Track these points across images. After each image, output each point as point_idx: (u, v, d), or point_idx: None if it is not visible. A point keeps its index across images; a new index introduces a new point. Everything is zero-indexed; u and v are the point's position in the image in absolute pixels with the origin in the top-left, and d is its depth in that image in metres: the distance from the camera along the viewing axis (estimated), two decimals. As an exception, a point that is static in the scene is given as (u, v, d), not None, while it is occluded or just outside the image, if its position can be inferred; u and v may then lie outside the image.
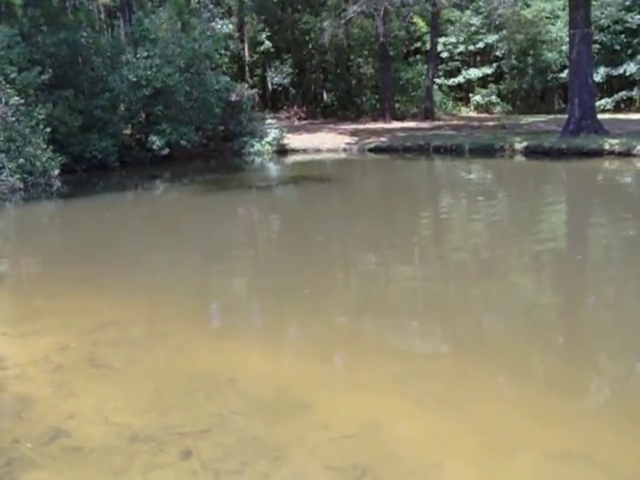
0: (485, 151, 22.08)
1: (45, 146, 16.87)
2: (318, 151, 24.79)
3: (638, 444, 4.17)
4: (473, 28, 38.58)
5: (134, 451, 4.18)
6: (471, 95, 39.67)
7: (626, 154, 19.36)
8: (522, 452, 4.11)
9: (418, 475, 3.85)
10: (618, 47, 36.05)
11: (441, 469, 3.92)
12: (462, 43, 38.84)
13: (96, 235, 11.71)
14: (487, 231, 11.49)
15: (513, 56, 38.16)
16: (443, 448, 4.18)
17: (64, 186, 17.04)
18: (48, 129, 17.21)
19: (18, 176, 16.12)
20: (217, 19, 28.99)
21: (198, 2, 29.70)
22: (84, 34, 21.14)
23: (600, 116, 24.64)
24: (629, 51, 35.81)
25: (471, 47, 38.94)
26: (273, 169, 23.02)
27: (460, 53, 39.44)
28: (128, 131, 22.59)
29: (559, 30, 36.10)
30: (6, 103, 16.60)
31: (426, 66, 35.88)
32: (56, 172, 17.15)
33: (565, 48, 30.81)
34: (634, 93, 36.09)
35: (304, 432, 4.35)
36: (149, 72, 21.16)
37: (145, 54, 21.76)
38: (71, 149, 18.98)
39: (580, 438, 4.28)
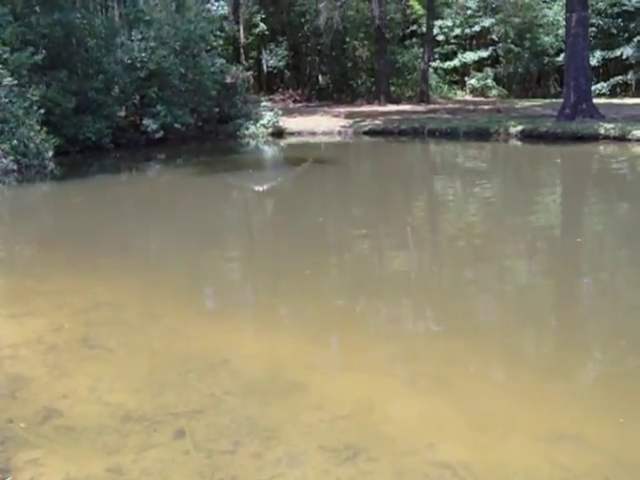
0: (480, 135, 22.04)
1: (39, 128, 16.73)
2: (313, 134, 24.72)
3: (628, 425, 4.19)
4: (469, 11, 38.39)
5: (127, 431, 4.19)
6: (467, 79, 39.53)
7: (621, 139, 19.36)
8: (514, 433, 4.14)
9: (411, 456, 3.87)
10: (615, 31, 35.93)
11: (433, 449, 3.94)
12: (458, 26, 38.65)
13: (90, 217, 11.68)
14: (482, 214, 11.50)
15: (509, 40, 38.01)
16: (436, 429, 4.21)
17: (58, 168, 16.94)
18: (42, 110, 17.07)
19: (12, 158, 16.00)
20: (212, 1, 28.79)
21: (193, -17, 29.42)
22: (78, 15, 20.89)
23: (596, 100, 24.61)
24: (625, 35, 35.70)
25: (467, 30, 38.76)
26: (268, 151, 22.97)
27: (456, 36, 39.26)
28: (122, 113, 22.45)
29: (556, 13, 35.97)
30: (-1, 84, 16.49)
31: (422, 49, 35.70)
32: (50, 154, 17.03)
33: (561, 32, 30.67)
34: (630, 77, 36.02)
35: (297, 413, 4.37)
36: (144, 54, 21.03)
37: (140, 36, 21.59)
38: (65, 131, 18.85)
39: (571, 419, 4.31)
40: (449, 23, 38.64)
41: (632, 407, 4.43)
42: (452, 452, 3.90)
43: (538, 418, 4.31)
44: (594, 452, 3.89)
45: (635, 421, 4.24)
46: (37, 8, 20.27)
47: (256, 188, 14.95)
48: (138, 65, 21.03)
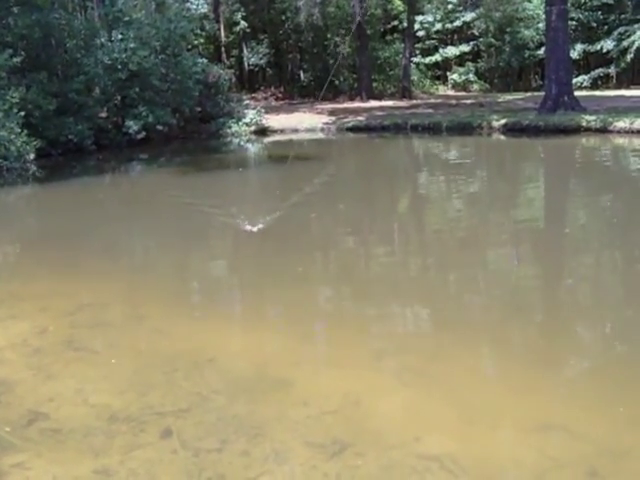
0: (463, 129, 22.12)
1: (19, 130, 16.61)
2: (296, 131, 24.70)
3: (616, 415, 4.22)
4: (450, 6, 38.54)
5: (114, 431, 4.17)
6: (448, 73, 39.70)
7: (603, 130, 19.49)
8: (501, 425, 4.15)
9: (398, 449, 3.87)
10: (594, 24, 36.18)
11: (420, 443, 3.95)
12: (439, 21, 38.80)
13: (73, 219, 11.60)
14: (467, 207, 11.53)
15: (490, 34, 38.20)
16: (422, 422, 4.21)
17: (40, 170, 16.83)
18: (22, 113, 16.95)
19: (-7, 161, 15.90)
20: (192, -1, 28.69)
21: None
22: (56, 16, 20.75)
23: (577, 93, 24.76)
24: (605, 27, 35.95)
25: (448, 25, 38.91)
26: (251, 150, 22.92)
27: (437, 31, 39.41)
28: (104, 114, 22.33)
29: (536, 7, 36.18)
30: (-22, 86, 16.35)
31: (403, 45, 35.78)
32: (31, 156, 16.94)
33: (542, 25, 30.86)
34: (611, 70, 36.26)
35: (284, 409, 4.36)
36: (124, 55, 20.91)
37: (120, 36, 21.49)
38: (46, 133, 18.71)
39: (558, 410, 4.33)
40: (430, 18, 38.76)
41: (618, 397, 4.46)
42: (439, 445, 3.91)
43: (525, 409, 4.33)
44: (581, 442, 3.92)
45: (622, 410, 4.26)
46: (15, 9, 20.11)
47: (240, 186, 14.90)
48: (119, 66, 20.92)
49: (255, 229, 9.24)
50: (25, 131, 16.83)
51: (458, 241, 9.18)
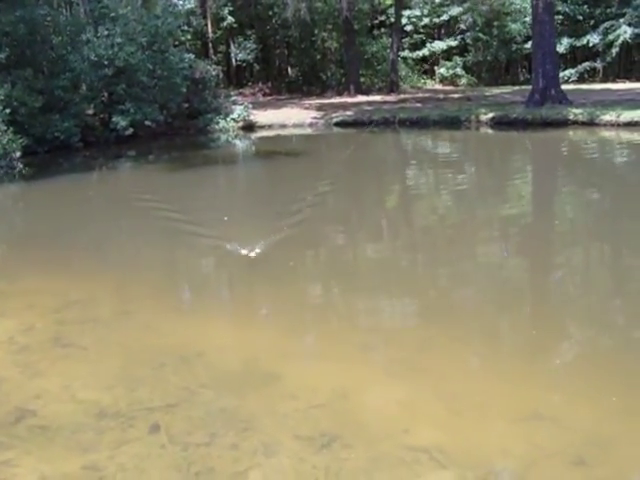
0: (451, 123, 22.14)
1: (5, 128, 16.50)
2: (284, 126, 24.66)
3: (603, 404, 4.25)
4: (437, 0, 38.50)
5: (102, 427, 4.16)
6: (436, 68, 39.70)
7: (590, 123, 19.59)
8: (489, 415, 4.17)
9: (386, 441, 3.88)
10: (581, 17, 36.26)
11: (409, 435, 3.96)
12: (426, 16, 38.78)
13: (61, 217, 11.54)
14: (455, 201, 11.55)
15: (477, 28, 38.21)
16: (411, 414, 4.22)
17: (27, 168, 16.72)
18: (7, 110, 16.84)
19: (-22, 159, 15.80)
20: (178, -5, 28.54)
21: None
22: (41, 12, 20.58)
23: (564, 87, 24.84)
24: (592, 21, 36.04)
25: (435, 19, 38.91)
26: (239, 145, 22.87)
27: (424, 26, 39.39)
28: (91, 111, 22.18)
29: (523, 1, 36.20)
30: (-38, 84, 16.23)
31: (390, 39, 35.76)
32: (18, 154, 16.82)
33: (529, 19, 30.89)
34: (597, 64, 36.38)
35: (272, 403, 4.36)
36: (110, 51, 20.77)
37: (106, 32, 21.32)
38: (32, 130, 18.57)
39: (546, 400, 4.35)
40: (417, 13, 38.74)
41: (606, 386, 4.49)
42: (428, 436, 3.93)
43: (513, 400, 4.35)
44: (568, 431, 3.94)
45: (608, 400, 4.29)
46: (-1, 5, 19.94)
47: (228, 182, 14.88)
48: (105, 62, 20.77)
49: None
50: (11, 129, 16.72)
51: (447, 234, 9.20)
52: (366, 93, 34.12)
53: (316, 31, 37.98)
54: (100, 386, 4.72)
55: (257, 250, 7.74)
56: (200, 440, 3.95)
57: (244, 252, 7.71)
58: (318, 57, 38.93)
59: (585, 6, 36.06)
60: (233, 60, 38.80)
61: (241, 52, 38.32)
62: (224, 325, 6.06)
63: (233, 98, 25.99)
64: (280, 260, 7.65)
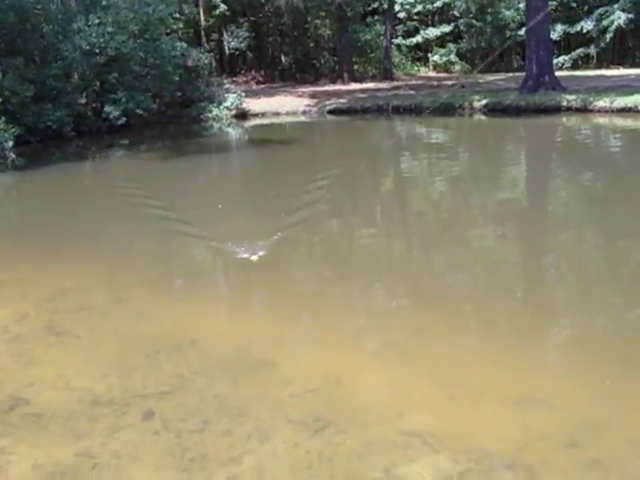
0: (445, 110, 22.07)
1: (-3, 118, 16.47)
2: (277, 114, 24.60)
3: (595, 388, 4.27)
4: (430, -13, 38.35)
5: (96, 415, 4.16)
6: (430, 55, 39.59)
7: (583, 110, 19.57)
8: (482, 400, 4.18)
9: (379, 425, 3.89)
10: (574, 4, 36.16)
11: (402, 419, 3.97)
12: (420, 2, 38.59)
13: (54, 206, 11.50)
14: (450, 187, 11.54)
15: (471, 14, 38.09)
16: (404, 399, 4.23)
17: (19, 158, 16.65)
18: (-1, 99, 16.80)
19: (-30, 149, 15.73)
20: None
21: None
22: (31, 0, 20.46)
23: (558, 73, 24.81)
24: (585, 8, 35.94)
25: (429, 6, 38.73)
26: (232, 134, 22.81)
27: (418, 13, 39.23)
28: (83, 100, 22.07)
29: (516, -13, 36.09)
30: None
31: (384, 27, 35.64)
32: (10, 144, 16.75)
33: (522, 5, 30.77)
34: (591, 50, 36.32)
35: (266, 389, 4.37)
36: (102, 40, 20.65)
37: (97, 21, 21.19)
38: (24, 120, 18.50)
39: (539, 384, 4.37)
40: (410, -1, 38.59)
41: (599, 370, 4.50)
42: (421, 421, 3.94)
43: (507, 384, 4.36)
44: (561, 414, 3.96)
45: (602, 383, 4.30)
46: (-12, -6, 19.80)
47: (222, 169, 14.84)
48: (97, 51, 20.66)
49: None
50: (3, 118, 16.66)
51: (442, 220, 9.21)
52: (360, 81, 34.04)
53: (309, 18, 37.82)
54: (94, 374, 4.72)
55: (252, 240, 7.72)
56: (194, 426, 3.95)
57: (239, 244, 7.69)
58: (311, 45, 38.80)
59: (579, -8, 35.99)
60: (226, 48, 38.62)
61: (234, 40, 38.13)
62: (217, 312, 6.06)
63: (226, 86, 25.90)
64: (275, 248, 7.63)
